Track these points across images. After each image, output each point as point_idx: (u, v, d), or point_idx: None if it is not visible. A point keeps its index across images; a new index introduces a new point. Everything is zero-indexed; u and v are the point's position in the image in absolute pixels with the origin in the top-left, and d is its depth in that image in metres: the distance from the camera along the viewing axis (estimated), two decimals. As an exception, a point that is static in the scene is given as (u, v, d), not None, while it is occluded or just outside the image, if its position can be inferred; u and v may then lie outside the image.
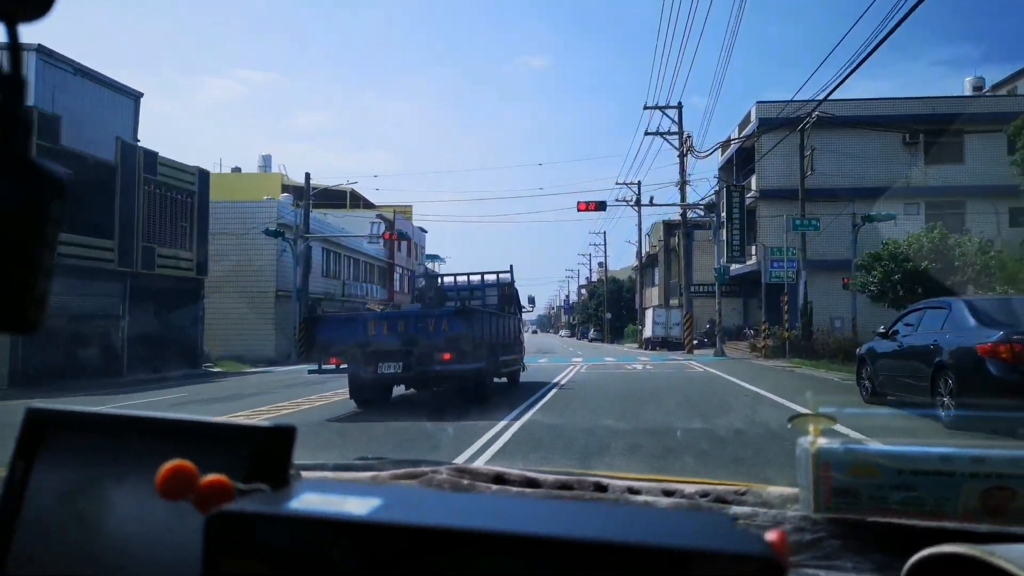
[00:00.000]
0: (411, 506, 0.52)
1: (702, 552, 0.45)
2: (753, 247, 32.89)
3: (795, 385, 14.96)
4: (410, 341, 11.91)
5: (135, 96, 24.86)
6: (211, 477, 0.54)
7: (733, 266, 31.62)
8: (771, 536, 0.49)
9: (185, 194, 26.19)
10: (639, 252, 54.30)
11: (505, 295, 17.01)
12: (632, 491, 1.15)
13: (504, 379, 15.33)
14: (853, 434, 4.89)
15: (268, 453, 0.64)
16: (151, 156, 24.21)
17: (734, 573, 0.45)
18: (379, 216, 51.18)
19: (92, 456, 0.70)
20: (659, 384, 16.07)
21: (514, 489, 1.17)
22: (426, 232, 78.86)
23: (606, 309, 70.40)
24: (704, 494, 1.16)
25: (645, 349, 43.46)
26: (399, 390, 13.56)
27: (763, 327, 27.28)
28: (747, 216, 30.58)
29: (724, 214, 29.24)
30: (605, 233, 76.81)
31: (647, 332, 43.90)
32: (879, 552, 0.93)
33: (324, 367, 12.50)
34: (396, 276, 55.69)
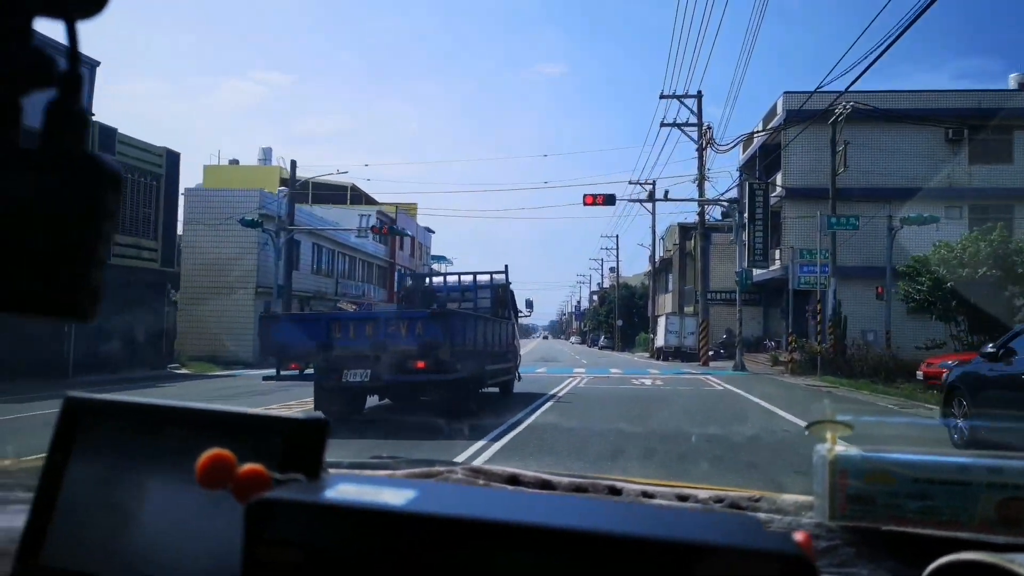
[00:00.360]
0: (444, 499, 0.54)
1: (734, 548, 0.47)
2: (777, 251, 29.94)
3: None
4: (379, 346, 10.67)
5: (91, 64, 22.13)
6: (248, 466, 0.56)
7: (755, 271, 28.51)
8: (798, 537, 0.50)
9: (150, 177, 23.82)
10: (652, 256, 51.52)
11: (499, 298, 15.88)
12: (646, 495, 1.17)
13: (496, 389, 14.58)
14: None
15: (301, 444, 0.66)
16: (108, 132, 21.98)
17: (766, 571, 0.46)
18: (380, 213, 48.53)
19: (128, 444, 0.72)
20: (671, 408, 13.08)
21: (529, 490, 1.17)
22: (433, 232, 76.48)
23: (617, 316, 67.65)
24: (719, 500, 1.17)
25: (656, 359, 40.61)
26: (374, 401, 12.49)
27: (790, 339, 24.17)
28: (771, 217, 27.48)
29: (746, 214, 26.23)
30: (617, 237, 74.23)
31: (659, 341, 41.00)
32: (894, 560, 0.94)
33: (284, 372, 11.37)
34: (396, 276, 52.95)
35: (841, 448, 0.98)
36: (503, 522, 0.47)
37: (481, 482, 1.20)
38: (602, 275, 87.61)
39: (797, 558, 0.45)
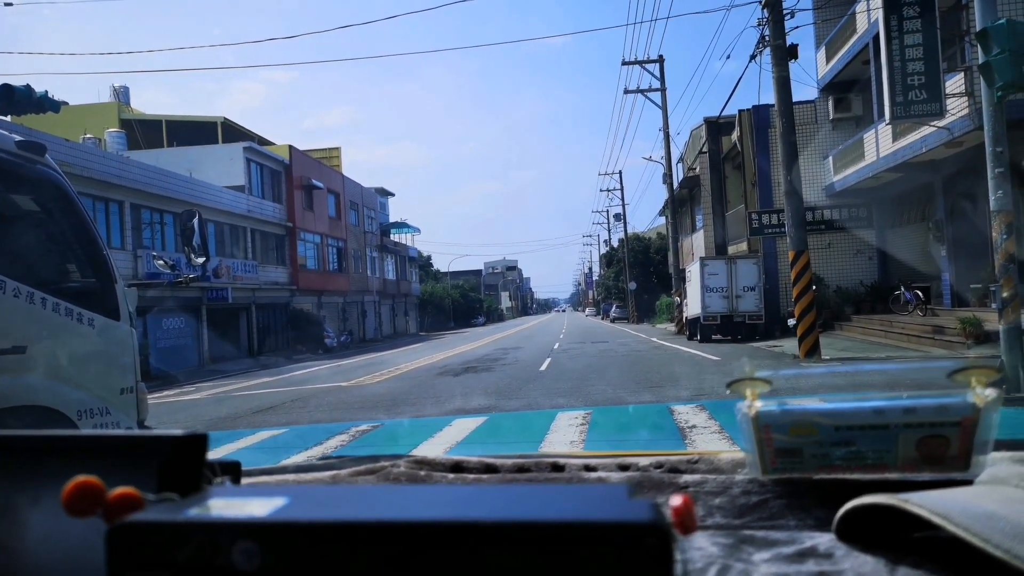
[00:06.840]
0: (317, 504, 0.53)
1: (580, 524, 0.45)
2: (957, 78, 12.14)
3: None
4: None
5: None
6: (119, 490, 0.54)
7: (860, 161, 10.96)
8: (675, 501, 0.50)
9: None
10: (667, 153, 32.59)
11: None
12: (588, 468, 1.14)
13: None
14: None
15: (180, 461, 0.64)
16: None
17: (616, 542, 0.45)
18: (250, 149, 31.39)
19: (5, 478, 0.70)
20: None
21: (471, 476, 1.15)
22: (391, 195, 59.46)
23: (628, 277, 50.19)
24: (658, 465, 1.15)
25: (690, 338, 22.66)
26: None
27: None
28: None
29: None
30: (620, 173, 56.25)
31: (693, 308, 23.26)
32: (822, 508, 0.94)
33: None
34: (300, 245, 35.56)
35: (760, 404, 0.96)
36: (353, 522, 0.46)
37: (423, 473, 1.16)
38: (608, 229, 69.71)
39: (650, 526, 0.44)
